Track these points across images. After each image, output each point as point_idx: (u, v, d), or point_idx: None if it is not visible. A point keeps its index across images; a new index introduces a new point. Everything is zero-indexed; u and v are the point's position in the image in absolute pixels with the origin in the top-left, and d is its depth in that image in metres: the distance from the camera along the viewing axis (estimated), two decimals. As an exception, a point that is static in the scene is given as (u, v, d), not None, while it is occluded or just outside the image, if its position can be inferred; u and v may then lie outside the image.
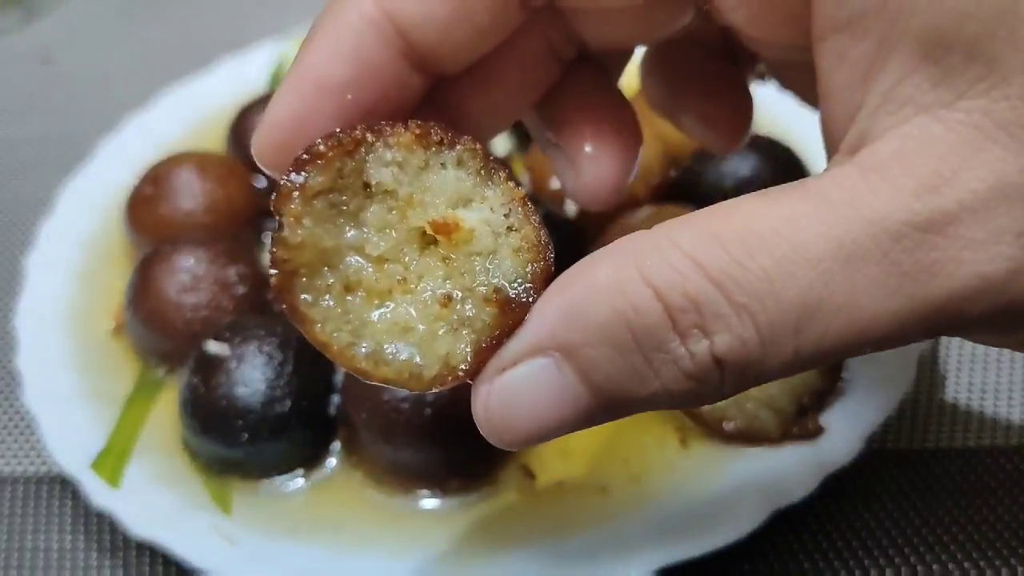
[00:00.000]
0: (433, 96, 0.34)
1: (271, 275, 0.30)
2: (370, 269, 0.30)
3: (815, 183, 0.27)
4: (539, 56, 0.35)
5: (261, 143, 0.31)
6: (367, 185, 0.30)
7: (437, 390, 0.30)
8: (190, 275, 0.54)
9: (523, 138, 0.67)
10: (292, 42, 0.79)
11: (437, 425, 0.46)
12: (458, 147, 0.31)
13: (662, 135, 0.61)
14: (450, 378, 0.30)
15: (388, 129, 0.30)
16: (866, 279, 0.26)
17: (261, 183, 0.64)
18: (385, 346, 0.30)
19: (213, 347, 0.49)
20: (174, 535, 0.45)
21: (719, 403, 0.47)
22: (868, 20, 0.27)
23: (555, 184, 0.58)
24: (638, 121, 0.37)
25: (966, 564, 0.45)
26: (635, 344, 0.27)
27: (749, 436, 0.47)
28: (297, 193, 0.29)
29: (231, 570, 0.44)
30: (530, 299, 0.30)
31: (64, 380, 0.53)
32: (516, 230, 0.31)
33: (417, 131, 0.30)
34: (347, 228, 0.30)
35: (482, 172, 0.31)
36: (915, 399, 0.52)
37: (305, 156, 0.29)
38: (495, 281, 0.30)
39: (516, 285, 0.30)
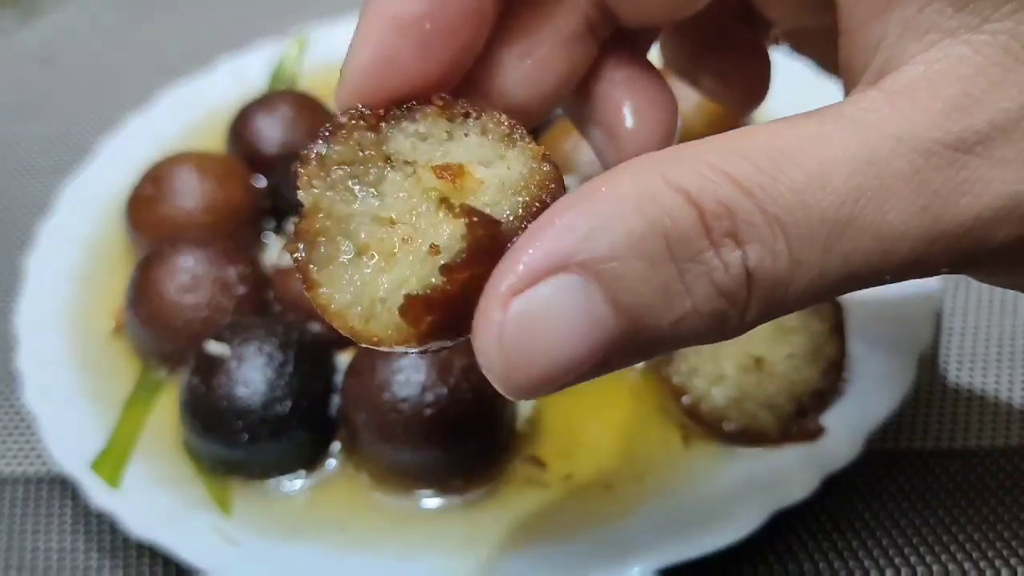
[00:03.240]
0: (481, 83, 0.33)
1: (292, 246, 0.30)
2: (382, 232, 0.30)
3: (838, 107, 0.27)
4: (580, 35, 0.35)
5: (346, 93, 0.31)
6: (388, 157, 0.30)
7: (436, 347, 0.28)
8: (190, 275, 0.54)
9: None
10: (292, 41, 0.79)
11: (437, 425, 0.46)
12: (483, 117, 0.31)
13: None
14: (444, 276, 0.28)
15: (414, 103, 0.30)
16: (895, 197, 0.26)
17: (261, 183, 0.64)
18: (377, 302, 0.29)
19: (213, 347, 0.49)
20: (174, 536, 0.45)
21: (719, 403, 0.47)
22: None
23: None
24: (672, 92, 0.36)
25: (966, 565, 0.45)
26: (669, 254, 0.25)
27: (749, 436, 0.47)
28: (314, 159, 0.30)
29: (231, 571, 0.44)
30: (520, 224, 0.29)
31: (64, 380, 0.53)
32: (524, 192, 0.30)
33: (441, 103, 0.31)
34: (364, 196, 0.30)
35: (505, 139, 0.31)
36: (915, 399, 0.52)
37: (327, 130, 0.30)
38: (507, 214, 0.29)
39: (509, 217, 0.29)
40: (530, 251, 0.25)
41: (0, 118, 0.83)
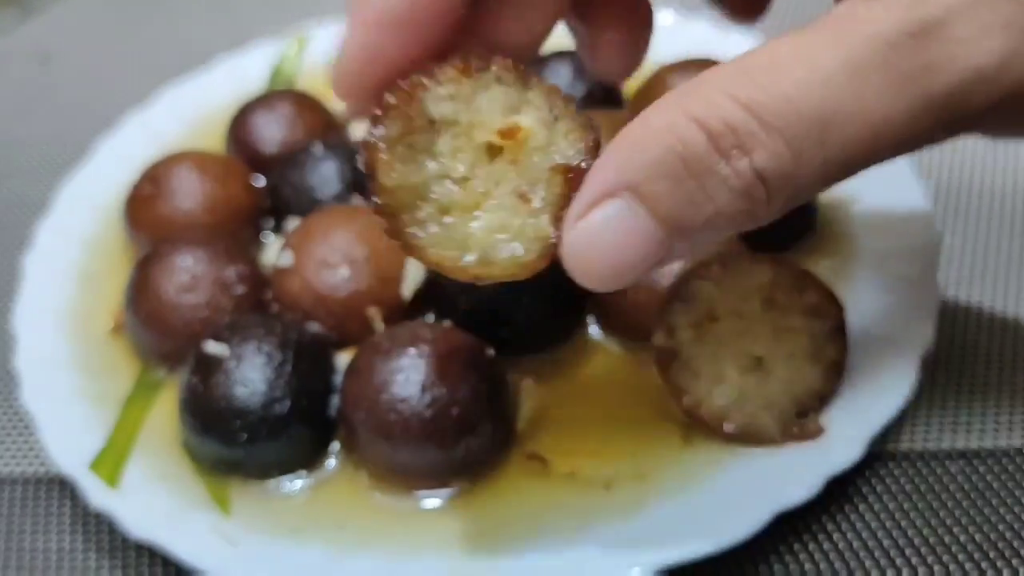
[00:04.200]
0: (471, 25, 0.39)
1: (380, 218, 0.35)
2: (456, 190, 0.36)
3: (828, 16, 0.32)
4: None
5: (341, 83, 0.37)
6: (432, 121, 0.36)
7: (542, 268, 0.35)
8: (189, 275, 0.54)
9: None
10: (291, 41, 0.79)
11: (436, 424, 0.46)
12: (493, 67, 0.36)
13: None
14: (547, 252, 0.35)
15: (437, 70, 0.35)
16: (871, 86, 0.30)
17: (260, 182, 0.64)
18: (488, 249, 0.35)
19: (212, 347, 0.49)
20: (173, 535, 0.45)
21: (720, 403, 0.47)
22: None
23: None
24: (650, 8, 0.43)
25: (967, 566, 0.45)
26: (686, 172, 0.32)
27: (749, 437, 0.47)
28: (383, 144, 0.35)
29: (231, 570, 0.44)
30: (586, 163, 0.35)
31: (63, 380, 0.53)
32: (561, 118, 0.36)
33: (460, 65, 0.35)
34: (427, 162, 0.36)
35: (519, 82, 0.36)
36: (917, 400, 0.52)
37: (379, 111, 0.35)
38: (558, 159, 0.36)
39: (574, 156, 0.35)
40: (587, 185, 0.34)
41: (-1, 117, 0.83)
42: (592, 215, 0.33)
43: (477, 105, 0.36)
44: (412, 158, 0.35)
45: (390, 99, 0.35)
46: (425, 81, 0.35)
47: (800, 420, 0.47)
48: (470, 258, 0.35)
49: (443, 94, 0.35)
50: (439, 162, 0.36)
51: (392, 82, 0.35)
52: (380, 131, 0.35)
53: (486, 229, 0.36)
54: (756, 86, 0.31)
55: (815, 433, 0.46)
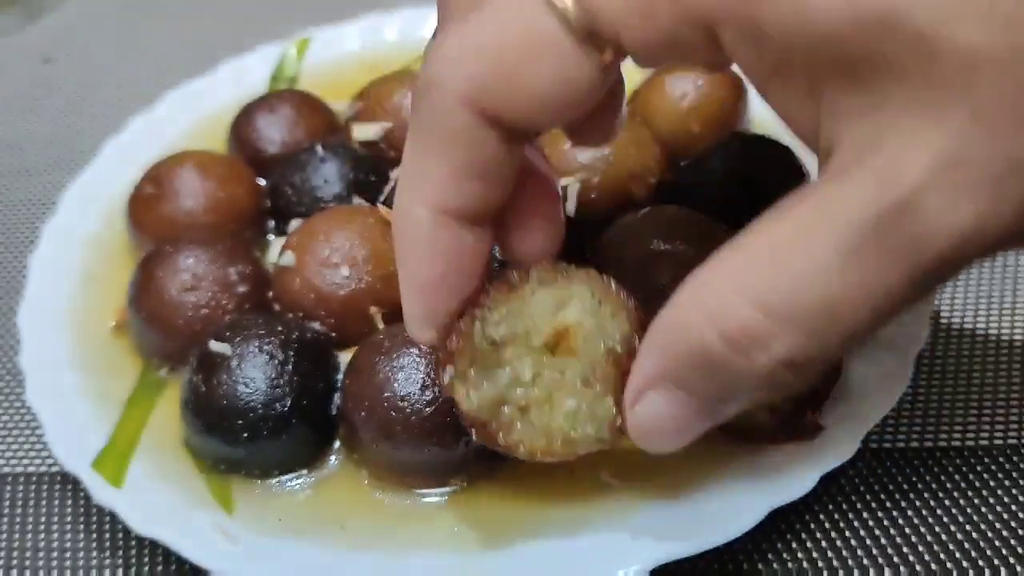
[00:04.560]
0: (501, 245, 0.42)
1: (473, 433, 0.40)
2: (531, 390, 0.40)
3: (811, 196, 0.33)
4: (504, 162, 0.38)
5: (416, 335, 0.40)
6: (493, 342, 0.39)
7: (619, 441, 0.41)
8: (191, 274, 0.54)
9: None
10: (294, 42, 0.79)
11: (438, 423, 0.46)
12: (533, 274, 0.40)
13: (660, 136, 0.61)
14: (615, 431, 0.40)
15: (484, 299, 0.39)
16: (868, 268, 0.31)
17: (262, 183, 0.64)
18: (570, 432, 0.40)
19: (214, 346, 0.49)
20: (176, 533, 0.45)
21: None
22: (787, 65, 0.32)
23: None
24: (558, 197, 0.43)
25: (964, 563, 0.45)
26: (712, 368, 0.35)
27: (746, 434, 0.47)
28: (457, 382, 0.39)
29: (233, 568, 0.44)
30: (632, 346, 0.40)
31: (66, 378, 0.54)
32: (604, 302, 0.40)
33: (505, 286, 0.39)
34: (499, 374, 0.40)
35: (560, 279, 0.40)
36: (914, 397, 0.52)
37: (447, 353, 0.39)
38: (609, 345, 0.40)
39: (621, 338, 0.40)
40: (632, 377, 0.38)
41: (2, 118, 0.83)
42: (641, 404, 0.38)
43: (528, 313, 0.40)
44: (485, 377, 0.40)
45: (453, 344, 0.39)
46: (479, 313, 0.39)
47: (797, 417, 0.47)
48: (559, 442, 0.40)
49: (496, 319, 0.39)
50: (509, 369, 0.40)
51: (454, 317, 0.39)
52: (451, 371, 0.39)
53: (563, 416, 0.40)
54: (763, 282, 0.33)
55: (813, 431, 0.47)
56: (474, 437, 0.41)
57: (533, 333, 0.40)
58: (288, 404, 0.48)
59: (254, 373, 0.48)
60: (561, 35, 0.33)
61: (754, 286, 0.33)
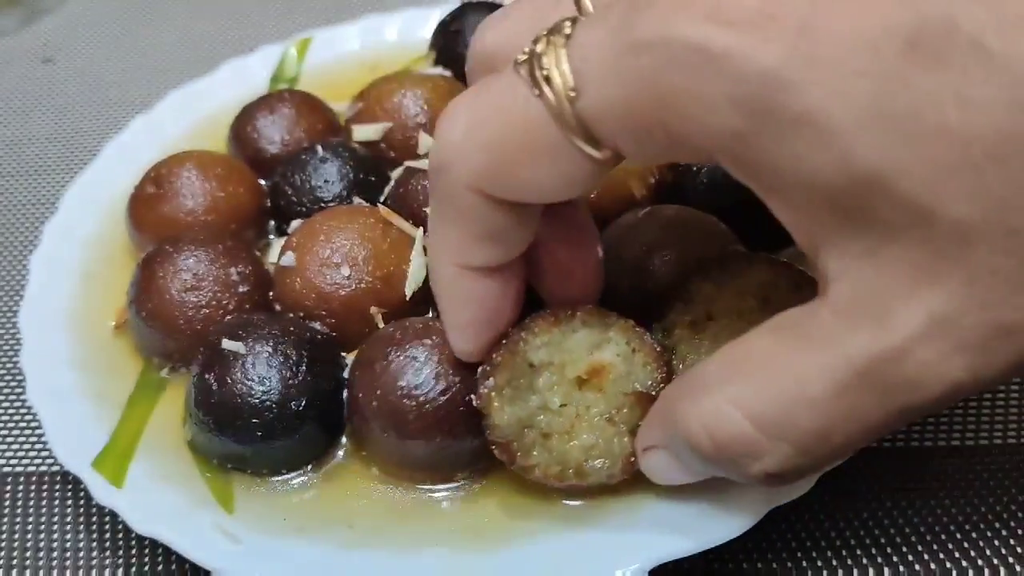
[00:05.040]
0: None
1: (494, 448, 0.44)
2: (556, 419, 0.44)
3: (811, 323, 0.34)
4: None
5: (462, 357, 0.45)
6: (531, 364, 0.43)
7: (627, 477, 0.44)
8: (192, 274, 0.54)
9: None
10: (294, 43, 0.79)
11: (448, 417, 0.46)
12: (578, 314, 0.44)
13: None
14: (630, 466, 0.44)
15: (531, 324, 0.43)
16: (860, 401, 0.33)
17: (263, 182, 0.64)
18: (584, 463, 0.44)
19: (228, 344, 0.49)
20: (177, 532, 0.45)
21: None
22: (786, 196, 0.33)
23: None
24: (598, 253, 0.46)
25: (964, 563, 0.46)
26: (706, 464, 0.38)
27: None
28: (494, 394, 0.43)
29: (234, 567, 0.44)
30: (656, 391, 0.43)
31: (67, 378, 0.54)
32: (638, 351, 0.44)
33: (551, 318, 0.43)
34: (530, 397, 0.43)
35: (600, 323, 0.44)
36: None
37: (488, 367, 0.43)
38: (636, 389, 0.44)
39: (651, 386, 0.44)
40: (640, 434, 0.43)
41: (2, 118, 0.83)
42: (646, 457, 0.42)
43: (567, 347, 0.43)
44: (518, 397, 0.43)
45: (497, 358, 0.42)
46: (524, 335, 0.43)
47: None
48: (572, 471, 0.44)
49: (539, 344, 0.43)
50: (539, 395, 0.43)
51: (497, 340, 0.43)
52: (491, 382, 0.42)
53: (580, 448, 0.44)
54: (759, 399, 0.35)
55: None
56: (496, 453, 0.44)
57: (568, 365, 0.43)
58: (302, 403, 0.48)
59: (269, 372, 0.48)
60: (559, 136, 0.35)
61: (750, 400, 0.35)
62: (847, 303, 0.33)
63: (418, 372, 0.46)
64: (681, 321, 0.47)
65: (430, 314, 0.55)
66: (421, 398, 0.46)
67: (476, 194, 0.38)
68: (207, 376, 0.49)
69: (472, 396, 0.45)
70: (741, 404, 0.35)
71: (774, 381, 0.35)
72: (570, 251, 0.45)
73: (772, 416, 0.35)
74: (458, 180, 0.38)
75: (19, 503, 0.52)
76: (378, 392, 0.47)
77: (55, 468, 0.54)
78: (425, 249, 0.52)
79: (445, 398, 0.46)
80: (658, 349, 0.44)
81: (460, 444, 0.47)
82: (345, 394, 0.50)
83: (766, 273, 0.46)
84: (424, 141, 0.64)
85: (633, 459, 0.43)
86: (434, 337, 0.47)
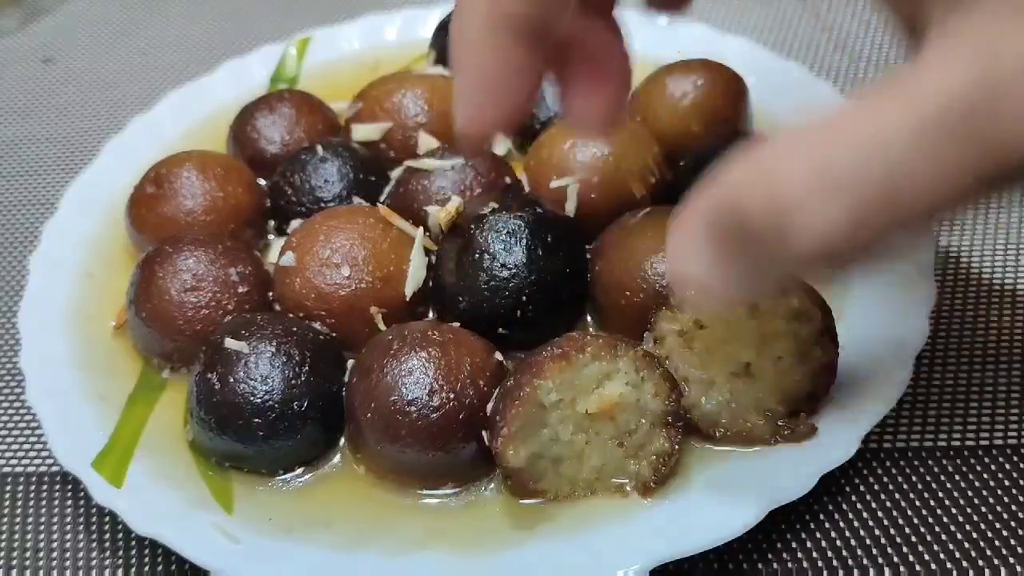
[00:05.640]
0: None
1: (506, 481, 0.46)
2: (566, 447, 0.45)
3: (894, 85, 0.31)
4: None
5: (462, 129, 0.41)
6: (543, 404, 0.44)
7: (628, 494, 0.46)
8: (191, 274, 0.54)
9: (521, 137, 0.68)
10: (294, 42, 0.79)
11: (443, 428, 0.46)
12: (588, 350, 0.44)
13: (660, 136, 0.61)
14: (641, 487, 0.46)
15: (542, 370, 0.44)
16: (940, 147, 0.29)
17: (262, 183, 0.64)
18: (594, 482, 0.46)
19: (231, 344, 0.49)
20: (176, 533, 0.45)
21: (710, 409, 0.47)
22: None
23: (553, 183, 0.58)
24: (629, 65, 0.44)
25: (964, 563, 0.45)
26: (748, 238, 0.33)
27: (741, 440, 0.47)
28: (510, 439, 0.44)
29: (233, 567, 0.44)
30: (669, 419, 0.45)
31: (66, 378, 0.54)
32: (647, 379, 0.45)
33: (562, 361, 0.44)
34: (541, 432, 0.45)
35: (610, 355, 0.44)
36: (913, 398, 0.53)
37: (501, 417, 0.44)
38: (647, 416, 0.45)
39: (661, 414, 0.45)
40: (683, 214, 0.37)
41: (2, 118, 0.83)
42: (681, 228, 0.37)
43: (577, 382, 0.44)
44: (531, 434, 0.44)
45: (512, 412, 0.43)
46: (537, 383, 0.43)
47: (792, 421, 0.47)
48: (580, 492, 0.46)
49: (550, 387, 0.44)
50: (551, 429, 0.45)
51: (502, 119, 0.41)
52: (506, 431, 0.43)
53: (591, 469, 0.46)
54: (826, 144, 0.31)
55: (807, 434, 0.47)
56: (509, 485, 0.46)
57: (579, 398, 0.44)
58: (305, 404, 0.48)
59: (272, 372, 0.48)
60: None
61: (820, 149, 0.31)
62: (944, 48, 0.30)
63: (414, 386, 0.46)
64: (671, 330, 0.47)
65: (431, 315, 0.55)
66: (414, 413, 0.46)
67: None
68: (209, 375, 0.49)
69: (484, 434, 0.46)
70: (809, 153, 0.31)
71: (845, 131, 0.31)
72: (599, 62, 0.43)
73: (843, 163, 0.30)
74: None
75: (19, 503, 0.52)
76: (373, 404, 0.47)
77: (55, 468, 0.54)
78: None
79: (439, 414, 0.46)
80: (666, 372, 0.45)
81: (454, 456, 0.47)
82: (344, 398, 0.50)
83: None
84: (424, 141, 0.64)
85: (652, 482, 0.46)
86: (431, 350, 0.47)
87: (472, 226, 0.53)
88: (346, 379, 0.51)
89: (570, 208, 0.57)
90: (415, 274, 0.54)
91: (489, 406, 0.46)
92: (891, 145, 0.29)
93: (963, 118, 0.29)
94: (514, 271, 0.51)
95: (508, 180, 0.59)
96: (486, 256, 0.52)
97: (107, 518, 0.51)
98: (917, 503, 0.48)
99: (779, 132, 0.33)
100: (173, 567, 0.48)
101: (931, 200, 0.30)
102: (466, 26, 0.39)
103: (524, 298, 0.51)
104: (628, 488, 0.46)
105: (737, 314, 0.46)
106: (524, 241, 0.52)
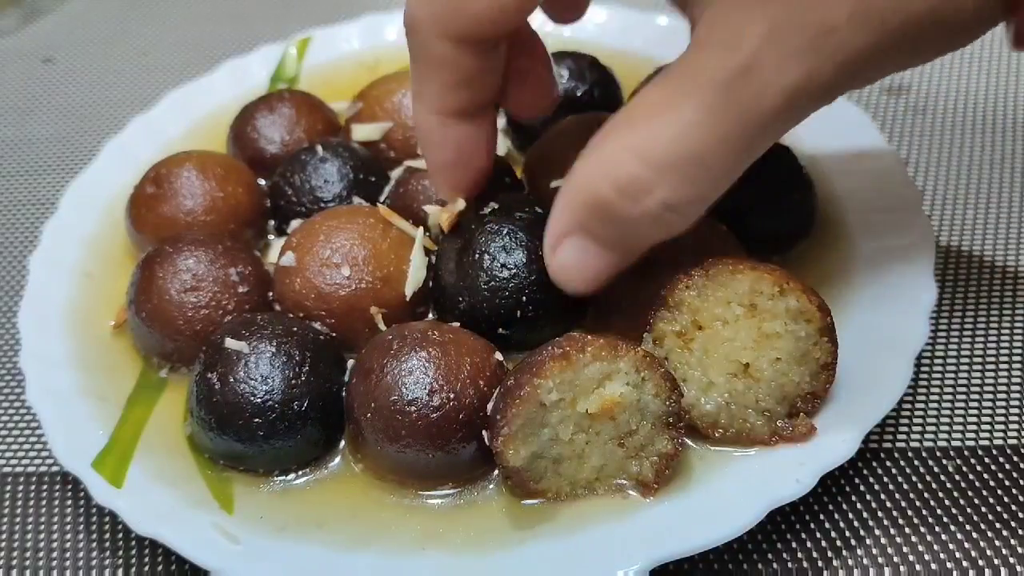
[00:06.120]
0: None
1: (506, 481, 0.47)
2: (566, 447, 0.45)
3: (680, 64, 0.40)
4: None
5: (443, 197, 0.54)
6: (543, 404, 0.44)
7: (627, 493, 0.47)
8: (191, 275, 0.54)
9: (521, 138, 0.68)
10: (293, 43, 0.79)
11: (442, 429, 0.46)
12: (589, 351, 0.44)
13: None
14: (643, 487, 0.46)
15: (543, 368, 0.44)
16: (725, 119, 0.39)
17: (262, 183, 0.64)
18: (592, 482, 0.46)
19: (231, 343, 0.49)
20: (176, 532, 0.45)
21: (709, 410, 0.47)
22: None
23: (553, 183, 0.58)
24: (545, 49, 0.54)
25: (965, 563, 0.45)
26: (610, 215, 0.42)
27: (740, 440, 0.47)
28: (511, 438, 0.44)
29: (233, 567, 0.44)
30: (671, 420, 0.46)
31: (66, 378, 0.54)
32: (648, 379, 0.45)
33: (563, 361, 0.44)
34: (542, 432, 0.45)
35: (610, 356, 0.44)
36: (913, 398, 0.53)
37: (502, 416, 0.44)
38: (647, 416, 0.45)
39: (661, 414, 0.45)
40: (550, 226, 0.45)
41: (2, 118, 0.84)
42: (558, 252, 0.45)
43: (578, 382, 0.44)
44: (531, 434, 0.44)
45: (512, 410, 0.43)
46: (537, 382, 0.43)
47: (791, 421, 0.47)
48: (581, 491, 0.46)
49: (550, 386, 0.44)
50: (551, 429, 0.45)
51: (470, 186, 0.52)
52: (506, 431, 0.43)
53: (591, 468, 0.46)
54: (645, 139, 0.40)
55: (806, 434, 0.47)
56: (509, 485, 0.46)
57: (580, 398, 0.44)
58: (305, 404, 0.48)
59: (272, 372, 0.48)
60: None
61: (638, 143, 0.40)
62: (706, 35, 0.39)
63: (414, 386, 0.46)
64: (670, 331, 0.47)
65: (431, 315, 0.55)
66: (414, 413, 0.46)
67: (444, 41, 0.44)
68: (209, 375, 0.49)
69: (484, 434, 0.45)
70: (632, 148, 0.40)
71: (655, 122, 0.40)
72: (526, 66, 0.52)
73: (658, 152, 0.39)
74: (428, 32, 0.44)
75: (19, 503, 0.52)
76: (373, 404, 0.47)
77: (55, 468, 0.54)
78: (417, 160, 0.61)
79: (439, 414, 0.46)
80: (667, 373, 0.45)
81: (454, 457, 0.47)
82: (344, 397, 0.50)
83: (748, 281, 0.46)
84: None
85: (654, 485, 0.46)
86: (431, 350, 0.47)
87: (472, 226, 0.53)
88: (346, 379, 0.51)
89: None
90: (415, 274, 0.54)
91: (489, 406, 0.46)
92: (689, 129, 0.39)
93: (730, 95, 0.38)
94: (514, 271, 0.51)
95: (508, 180, 0.59)
96: (486, 256, 0.52)
97: (107, 518, 0.51)
98: (917, 503, 0.48)
99: (608, 125, 0.42)
100: (173, 567, 0.48)
101: (732, 163, 0.40)
102: (420, 119, 0.48)
103: (524, 298, 0.51)
104: (628, 488, 0.46)
105: (735, 315, 0.46)
106: (524, 241, 0.52)
